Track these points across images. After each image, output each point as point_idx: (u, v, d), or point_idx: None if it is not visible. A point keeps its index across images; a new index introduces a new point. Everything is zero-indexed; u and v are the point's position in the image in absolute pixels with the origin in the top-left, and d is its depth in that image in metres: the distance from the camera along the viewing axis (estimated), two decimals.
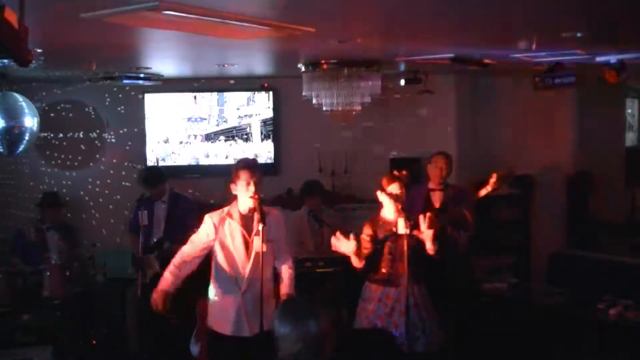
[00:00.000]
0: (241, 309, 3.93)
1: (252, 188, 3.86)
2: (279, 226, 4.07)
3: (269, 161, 7.13)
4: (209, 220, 3.98)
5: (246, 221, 3.95)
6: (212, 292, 4.07)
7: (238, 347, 3.94)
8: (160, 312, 3.90)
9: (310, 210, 5.97)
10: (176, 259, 4.02)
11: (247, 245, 3.93)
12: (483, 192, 5.18)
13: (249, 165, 3.97)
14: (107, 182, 7.23)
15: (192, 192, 6.84)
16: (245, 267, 3.94)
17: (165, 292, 3.91)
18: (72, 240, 6.11)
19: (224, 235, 3.96)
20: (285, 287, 4.09)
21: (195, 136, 7.19)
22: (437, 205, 5.40)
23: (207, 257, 4.08)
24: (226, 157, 7.14)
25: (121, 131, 7.25)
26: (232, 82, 6.98)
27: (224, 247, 3.95)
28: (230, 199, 4.05)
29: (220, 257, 3.98)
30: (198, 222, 4.11)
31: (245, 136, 7.19)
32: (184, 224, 5.45)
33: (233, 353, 3.96)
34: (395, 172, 4.44)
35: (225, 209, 4.02)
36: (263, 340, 3.85)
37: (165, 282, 3.95)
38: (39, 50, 4.40)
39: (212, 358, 4.13)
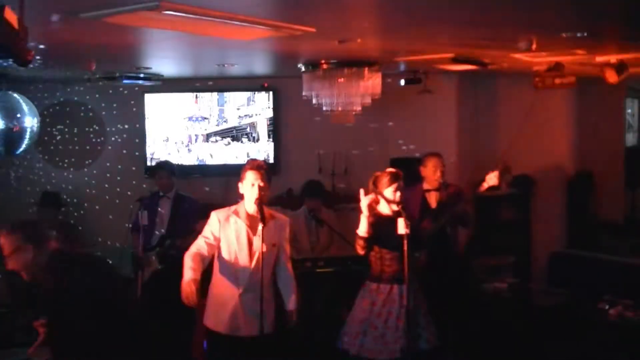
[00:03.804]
0: (238, 309, 3.93)
1: (255, 190, 3.88)
2: (283, 231, 4.08)
3: (269, 161, 7.14)
4: (214, 216, 4.01)
5: (252, 221, 3.96)
6: (212, 289, 4.07)
7: (233, 347, 3.94)
8: (193, 303, 3.67)
9: (310, 210, 5.96)
10: (191, 251, 3.92)
11: (251, 244, 3.94)
12: (482, 188, 5.14)
13: (254, 166, 3.99)
14: (106, 182, 7.24)
15: (192, 192, 6.84)
16: (247, 267, 3.94)
17: (196, 280, 3.71)
18: (73, 240, 6.10)
19: (229, 232, 3.96)
20: (292, 303, 4.07)
21: (196, 136, 7.20)
22: (433, 205, 5.40)
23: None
24: (223, 157, 7.15)
25: (121, 131, 7.25)
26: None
27: (227, 244, 3.96)
28: (238, 197, 4.07)
29: (223, 254, 3.98)
30: (201, 222, 4.13)
31: (246, 136, 7.19)
32: (186, 224, 5.48)
33: (228, 352, 3.96)
34: (394, 170, 4.38)
35: (233, 207, 4.04)
36: (262, 342, 3.87)
37: (190, 272, 3.76)
38: (39, 50, 4.40)
39: (208, 356, 4.13)
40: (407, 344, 4.08)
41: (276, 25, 3.59)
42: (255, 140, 7.19)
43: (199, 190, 6.94)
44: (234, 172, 4.15)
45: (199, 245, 3.96)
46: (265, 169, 4.02)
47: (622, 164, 8.38)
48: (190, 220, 5.51)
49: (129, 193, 7.03)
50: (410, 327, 4.10)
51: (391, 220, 4.18)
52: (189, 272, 3.77)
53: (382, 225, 4.28)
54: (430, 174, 5.44)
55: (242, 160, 6.81)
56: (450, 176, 5.88)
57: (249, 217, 3.98)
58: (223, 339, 3.97)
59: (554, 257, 6.21)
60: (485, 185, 4.99)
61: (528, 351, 4.98)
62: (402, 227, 4.04)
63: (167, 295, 5.37)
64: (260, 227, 3.77)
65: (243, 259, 3.95)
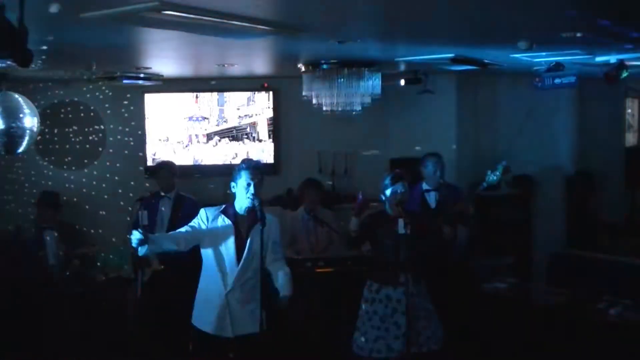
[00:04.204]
0: (225, 309, 3.88)
1: (251, 189, 3.85)
2: (271, 230, 4.02)
3: (269, 161, 7.15)
4: (204, 212, 3.98)
5: (241, 221, 3.93)
6: (199, 289, 4.04)
7: (220, 347, 3.91)
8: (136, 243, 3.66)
9: (311, 210, 5.95)
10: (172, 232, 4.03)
11: (239, 245, 3.91)
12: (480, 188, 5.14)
13: (251, 166, 3.95)
14: (106, 182, 7.24)
15: (193, 192, 6.85)
16: (234, 267, 3.91)
17: (146, 232, 3.72)
18: (72, 240, 6.10)
19: (217, 231, 3.92)
20: (285, 290, 4.03)
21: (196, 136, 7.20)
22: (433, 205, 5.41)
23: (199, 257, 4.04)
24: (223, 157, 7.15)
25: (121, 131, 7.25)
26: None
27: (214, 244, 3.92)
28: (228, 197, 4.04)
29: (209, 253, 3.94)
30: None
31: (246, 136, 7.19)
32: (187, 224, 5.46)
33: (215, 352, 3.92)
34: (398, 171, 4.44)
35: (222, 206, 4.02)
36: (249, 342, 3.84)
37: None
38: (39, 50, 4.40)
39: (195, 355, 4.10)
40: (408, 343, 4.09)
41: (276, 25, 3.60)
42: (256, 140, 7.20)
43: (200, 191, 6.95)
44: None
45: (181, 230, 3.98)
46: (260, 169, 3.99)
47: (622, 164, 8.38)
48: (190, 221, 5.50)
49: (129, 193, 7.04)
50: (411, 327, 4.11)
51: (392, 220, 4.20)
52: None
53: (383, 225, 4.30)
54: (430, 174, 5.45)
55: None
56: (450, 176, 5.87)
57: (239, 216, 3.94)
58: (209, 339, 3.93)
59: (554, 257, 6.20)
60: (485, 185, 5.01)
61: (528, 351, 4.97)
62: (402, 227, 4.05)
63: (167, 295, 5.40)
64: (260, 227, 3.76)
65: (230, 259, 3.90)
